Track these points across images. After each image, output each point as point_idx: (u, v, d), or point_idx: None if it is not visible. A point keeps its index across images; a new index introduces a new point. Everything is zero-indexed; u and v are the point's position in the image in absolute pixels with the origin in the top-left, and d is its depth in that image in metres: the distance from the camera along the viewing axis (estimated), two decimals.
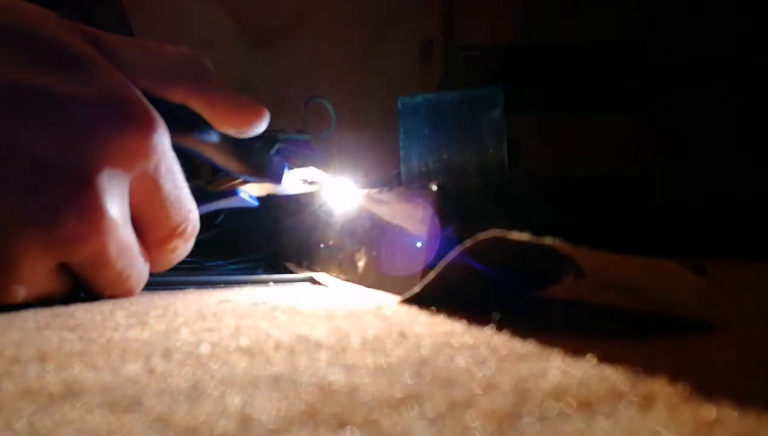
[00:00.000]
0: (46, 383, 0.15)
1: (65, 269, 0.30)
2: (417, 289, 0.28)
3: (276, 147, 0.40)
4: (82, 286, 0.31)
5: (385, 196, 0.36)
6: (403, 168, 0.48)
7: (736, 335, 0.22)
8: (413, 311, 0.27)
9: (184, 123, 0.35)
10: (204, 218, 0.36)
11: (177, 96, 0.34)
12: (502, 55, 0.75)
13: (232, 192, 0.40)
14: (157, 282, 0.39)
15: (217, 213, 0.55)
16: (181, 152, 0.34)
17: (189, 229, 0.34)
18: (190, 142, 0.36)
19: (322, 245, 0.44)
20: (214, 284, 0.41)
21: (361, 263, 0.37)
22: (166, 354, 0.19)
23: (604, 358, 0.17)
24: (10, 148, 0.27)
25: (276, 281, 0.42)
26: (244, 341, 0.20)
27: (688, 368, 0.16)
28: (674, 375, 0.15)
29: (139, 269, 0.32)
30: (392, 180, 0.49)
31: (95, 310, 0.28)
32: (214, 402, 0.14)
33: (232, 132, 0.36)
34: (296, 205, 0.51)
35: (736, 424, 0.12)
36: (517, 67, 0.75)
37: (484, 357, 0.18)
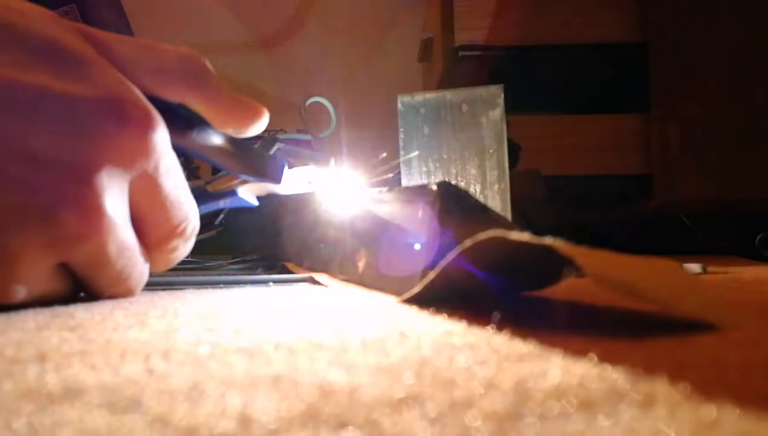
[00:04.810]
0: (46, 383, 0.15)
1: (65, 269, 0.30)
2: (417, 289, 0.28)
3: (276, 147, 0.40)
4: (82, 286, 0.31)
5: (385, 196, 0.36)
6: (403, 168, 0.48)
7: (736, 335, 0.22)
8: (413, 311, 0.27)
9: (184, 123, 0.35)
10: (204, 218, 0.36)
11: (176, 96, 0.34)
12: (502, 55, 0.75)
13: (232, 192, 0.40)
14: (157, 282, 0.39)
15: (217, 213, 0.55)
16: (181, 152, 0.34)
17: (189, 229, 0.34)
18: (190, 142, 0.36)
19: (322, 245, 0.44)
20: (214, 284, 0.41)
21: (361, 263, 0.37)
22: (166, 354, 0.19)
23: (605, 358, 0.17)
24: (9, 148, 0.27)
25: (276, 281, 0.42)
26: (243, 342, 0.20)
27: (688, 368, 0.16)
28: (675, 375, 0.15)
29: (139, 269, 0.32)
30: (392, 180, 0.49)
31: (95, 310, 0.28)
32: (213, 402, 0.14)
33: (231, 132, 0.36)
34: (296, 204, 0.51)
35: (736, 424, 0.12)
36: (517, 67, 0.75)
37: (485, 357, 0.18)
